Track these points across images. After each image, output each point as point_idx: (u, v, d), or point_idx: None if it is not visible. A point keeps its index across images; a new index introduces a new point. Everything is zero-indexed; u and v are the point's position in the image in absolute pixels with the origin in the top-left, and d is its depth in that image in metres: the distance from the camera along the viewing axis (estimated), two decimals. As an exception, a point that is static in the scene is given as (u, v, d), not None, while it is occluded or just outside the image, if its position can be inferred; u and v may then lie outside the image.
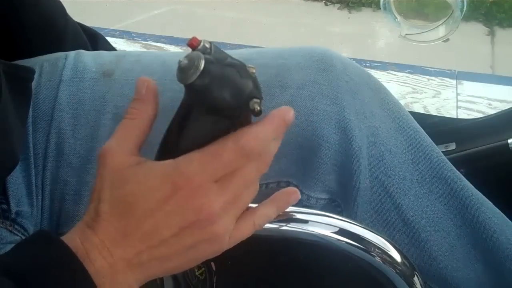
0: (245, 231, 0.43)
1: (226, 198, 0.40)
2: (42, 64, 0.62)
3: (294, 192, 0.47)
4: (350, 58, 0.63)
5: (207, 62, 0.40)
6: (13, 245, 0.53)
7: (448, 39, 0.76)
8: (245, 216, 0.43)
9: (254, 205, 0.45)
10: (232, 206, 0.41)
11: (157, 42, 1.82)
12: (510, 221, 0.62)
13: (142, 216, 0.39)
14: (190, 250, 0.41)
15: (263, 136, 0.40)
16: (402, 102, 0.89)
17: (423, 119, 0.68)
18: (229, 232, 0.42)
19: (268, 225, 0.46)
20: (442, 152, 0.62)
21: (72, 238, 0.40)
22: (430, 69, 1.60)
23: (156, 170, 0.40)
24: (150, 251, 0.40)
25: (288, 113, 0.42)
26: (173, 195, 0.39)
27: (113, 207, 0.40)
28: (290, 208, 0.50)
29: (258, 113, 0.41)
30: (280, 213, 0.47)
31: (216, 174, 0.40)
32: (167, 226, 0.39)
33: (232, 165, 0.40)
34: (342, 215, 0.54)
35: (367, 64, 1.65)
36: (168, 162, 0.40)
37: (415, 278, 0.54)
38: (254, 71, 0.42)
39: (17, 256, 0.39)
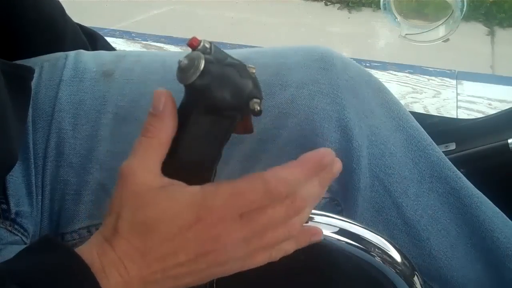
0: (260, 260, 0.43)
1: (246, 233, 0.40)
2: (42, 64, 0.62)
3: (317, 233, 0.47)
4: (350, 58, 0.63)
5: (207, 62, 0.40)
6: (13, 245, 0.54)
7: (448, 39, 0.76)
8: (264, 248, 0.43)
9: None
10: (253, 240, 0.41)
11: (157, 42, 1.82)
12: (510, 221, 0.62)
13: (162, 239, 0.39)
14: (203, 272, 0.41)
15: (293, 181, 0.40)
16: (402, 102, 0.89)
17: (423, 119, 0.68)
18: (241, 260, 0.42)
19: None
20: (442, 152, 0.62)
21: (89, 251, 0.40)
22: (430, 69, 1.60)
23: (181, 197, 0.40)
24: (165, 272, 0.40)
25: (326, 156, 0.41)
26: (196, 224, 0.39)
27: (133, 227, 0.40)
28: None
29: (258, 113, 0.41)
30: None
31: (240, 211, 0.40)
32: (185, 251, 0.40)
33: (257, 204, 0.40)
34: (342, 214, 0.54)
35: (367, 64, 1.65)
36: (193, 191, 0.40)
37: (415, 278, 0.54)
38: (254, 71, 0.42)
39: (28, 266, 0.39)
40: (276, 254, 0.44)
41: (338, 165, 0.43)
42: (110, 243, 0.40)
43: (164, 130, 0.42)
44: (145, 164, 0.41)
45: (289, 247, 0.45)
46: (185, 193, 0.40)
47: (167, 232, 0.39)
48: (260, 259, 0.43)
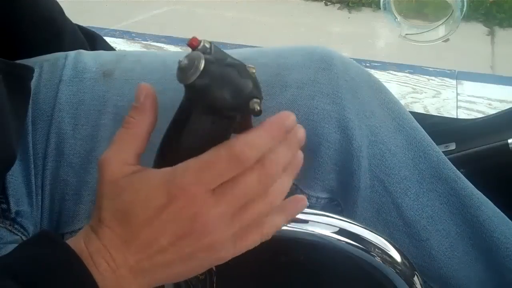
0: (252, 241, 0.43)
1: (223, 208, 0.40)
2: (42, 64, 0.62)
3: (301, 199, 0.46)
4: (350, 58, 0.63)
5: (207, 62, 0.40)
6: (13, 244, 0.54)
7: (448, 39, 0.76)
8: (252, 226, 0.43)
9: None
10: (233, 218, 0.41)
11: (157, 42, 1.81)
12: (510, 221, 0.62)
13: (140, 224, 0.40)
14: (190, 259, 0.41)
15: (259, 144, 0.39)
16: (402, 102, 0.89)
17: (423, 119, 0.68)
18: (230, 242, 0.41)
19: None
20: (442, 152, 0.62)
21: (78, 241, 0.41)
22: (430, 69, 1.60)
23: (152, 179, 0.40)
24: (150, 259, 0.40)
25: (287, 118, 0.41)
26: (169, 204, 0.39)
27: (113, 215, 0.40)
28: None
29: (258, 113, 0.41)
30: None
31: (211, 184, 0.39)
32: (164, 234, 0.40)
33: (227, 174, 0.39)
34: (342, 215, 0.54)
35: (367, 64, 1.65)
36: (164, 171, 0.40)
37: (415, 278, 0.54)
38: (254, 71, 0.42)
39: (21, 258, 0.39)
40: (267, 230, 0.43)
41: (301, 130, 0.42)
42: (96, 232, 0.41)
43: (143, 122, 0.43)
44: (120, 154, 0.42)
45: (278, 221, 0.44)
46: (156, 174, 0.40)
47: (144, 216, 0.39)
48: (252, 239, 0.42)
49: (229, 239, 0.41)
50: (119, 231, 0.40)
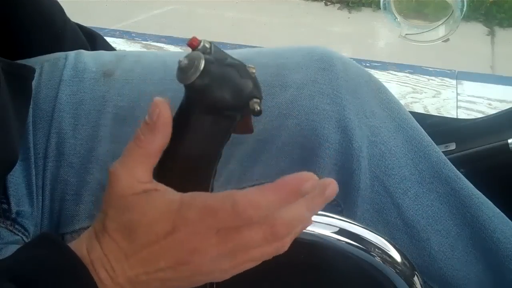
0: (248, 267, 0.42)
1: (222, 251, 0.39)
2: (42, 64, 0.62)
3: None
4: (350, 58, 0.63)
5: (207, 62, 0.40)
6: (13, 245, 0.54)
7: (448, 39, 0.76)
8: (250, 260, 0.41)
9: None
10: (229, 258, 0.40)
11: (157, 42, 1.81)
12: (510, 221, 0.62)
13: (142, 244, 0.40)
14: (190, 279, 0.41)
15: (264, 205, 0.37)
16: (402, 102, 0.89)
17: (423, 119, 0.68)
18: (228, 272, 0.41)
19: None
20: (442, 152, 0.62)
21: (80, 246, 0.41)
22: (430, 69, 1.60)
23: (159, 204, 0.40)
24: (149, 275, 0.41)
25: (306, 180, 0.37)
26: (172, 233, 0.39)
27: (118, 227, 0.41)
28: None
29: (258, 113, 0.41)
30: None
31: (213, 227, 0.39)
32: (164, 258, 0.40)
33: (230, 224, 0.39)
34: (342, 215, 0.54)
35: (367, 64, 1.65)
36: (172, 199, 0.40)
37: (415, 278, 0.54)
38: (254, 71, 0.42)
39: (22, 261, 0.40)
40: (261, 259, 0.42)
41: (331, 188, 0.38)
42: (98, 240, 0.41)
43: (155, 142, 0.41)
44: (130, 171, 0.41)
45: (270, 250, 0.42)
46: (164, 200, 0.40)
47: (147, 238, 0.40)
48: (249, 266, 0.42)
49: (227, 269, 0.41)
50: (122, 245, 0.40)
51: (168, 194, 0.41)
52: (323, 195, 0.38)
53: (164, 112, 0.41)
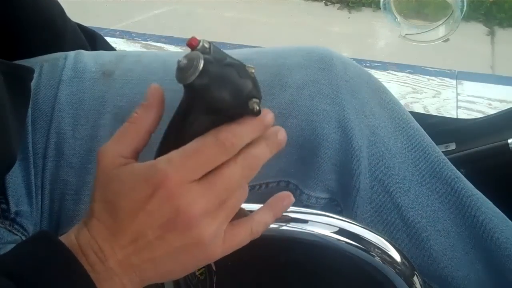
0: (242, 238, 0.43)
1: (208, 200, 0.40)
2: (41, 64, 0.62)
3: (287, 196, 0.46)
4: (350, 58, 0.63)
5: (206, 62, 0.40)
6: (13, 244, 0.54)
7: (448, 39, 0.76)
8: (241, 223, 0.43)
9: (252, 205, 0.45)
10: (218, 209, 0.41)
11: (157, 42, 1.82)
12: (510, 221, 0.62)
13: (126, 216, 0.40)
14: (179, 255, 0.41)
15: (242, 133, 0.40)
16: (402, 102, 0.89)
17: (423, 119, 0.68)
18: (218, 237, 0.41)
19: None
20: (442, 152, 0.62)
21: (69, 235, 0.41)
22: (430, 69, 1.60)
23: (137, 170, 0.40)
24: (138, 254, 0.40)
25: (266, 114, 0.42)
26: (153, 195, 0.39)
27: (102, 207, 0.41)
28: (290, 208, 0.50)
29: (257, 113, 0.41)
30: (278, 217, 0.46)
31: (196, 172, 0.39)
32: (150, 226, 0.40)
33: (213, 161, 0.40)
34: (342, 215, 0.54)
35: (367, 64, 1.65)
36: (150, 162, 0.40)
37: (415, 278, 0.54)
38: (253, 71, 0.42)
39: (16, 256, 0.40)
40: (256, 228, 0.43)
41: (282, 133, 0.43)
42: (86, 225, 0.41)
43: (146, 116, 0.43)
44: (117, 146, 0.43)
45: (266, 218, 0.45)
46: (142, 165, 0.41)
47: (129, 207, 0.40)
48: (240, 236, 0.43)
49: (217, 232, 0.41)
50: (108, 224, 0.40)
51: (147, 162, 0.41)
52: (276, 136, 0.43)
53: (157, 93, 0.44)
